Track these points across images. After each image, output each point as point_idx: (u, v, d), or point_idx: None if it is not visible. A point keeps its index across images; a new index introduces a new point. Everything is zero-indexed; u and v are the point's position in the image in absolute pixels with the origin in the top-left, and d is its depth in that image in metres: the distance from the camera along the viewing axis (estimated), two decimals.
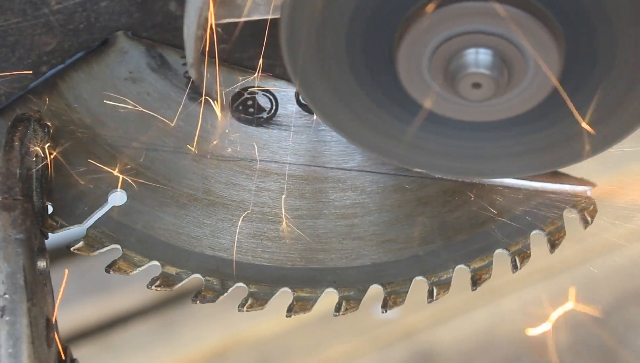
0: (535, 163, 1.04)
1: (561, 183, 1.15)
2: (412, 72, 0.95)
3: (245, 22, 1.04)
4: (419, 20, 0.91)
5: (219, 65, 1.06)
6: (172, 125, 1.12)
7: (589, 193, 1.14)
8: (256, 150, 1.14)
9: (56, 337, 1.07)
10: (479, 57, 0.92)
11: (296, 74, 0.98)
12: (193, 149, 1.12)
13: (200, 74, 1.03)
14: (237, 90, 1.13)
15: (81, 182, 1.12)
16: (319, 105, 1.02)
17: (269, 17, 1.00)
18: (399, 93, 0.97)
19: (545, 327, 1.41)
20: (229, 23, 1.02)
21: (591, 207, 1.14)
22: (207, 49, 1.02)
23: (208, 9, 0.98)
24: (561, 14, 0.91)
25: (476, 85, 0.93)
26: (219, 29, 1.03)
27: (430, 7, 0.90)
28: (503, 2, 0.89)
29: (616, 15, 0.90)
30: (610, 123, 0.98)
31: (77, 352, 1.14)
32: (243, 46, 1.11)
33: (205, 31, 1.00)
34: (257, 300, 1.13)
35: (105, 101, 1.11)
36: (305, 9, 0.93)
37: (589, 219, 1.14)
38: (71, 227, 1.11)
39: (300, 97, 1.12)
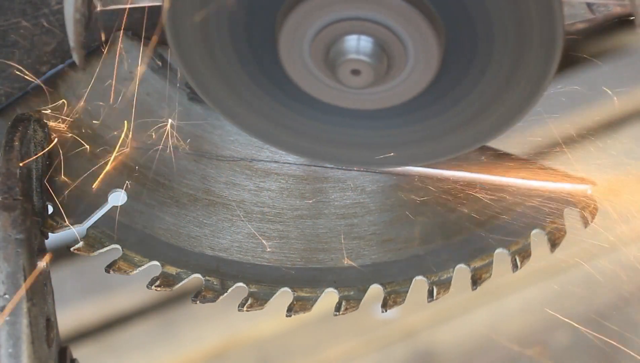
0: (418, 153, 1.05)
1: (561, 182, 1.15)
2: (294, 56, 0.95)
3: None
4: (301, 4, 0.91)
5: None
6: (169, 124, 1.12)
7: (589, 192, 1.15)
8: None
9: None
10: (359, 44, 0.92)
11: (181, 59, 0.98)
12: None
13: (82, 58, 1.02)
14: None
15: (81, 182, 1.12)
16: (205, 91, 1.02)
17: (157, 3, 0.99)
18: (282, 78, 0.98)
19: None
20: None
21: (591, 206, 1.14)
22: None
23: None
24: (443, 7, 0.92)
25: (355, 72, 0.93)
26: None
27: None
28: None
29: (495, 10, 0.91)
30: (490, 116, 1.00)
31: (77, 352, 1.14)
32: None
33: (87, 15, 0.99)
34: (257, 300, 1.13)
35: (105, 101, 1.12)
36: None
37: (589, 218, 1.14)
38: (71, 227, 1.11)
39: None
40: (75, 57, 1.00)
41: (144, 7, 1.08)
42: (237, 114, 1.04)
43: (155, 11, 1.09)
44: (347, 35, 0.92)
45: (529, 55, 0.94)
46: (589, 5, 1.02)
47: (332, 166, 1.15)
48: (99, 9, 0.99)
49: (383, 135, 1.04)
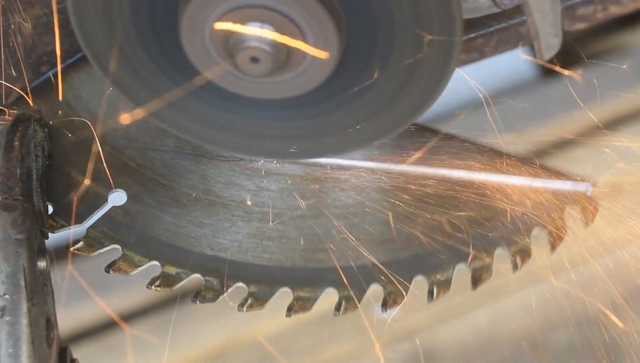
0: (317, 147, 1.06)
1: (562, 181, 1.15)
2: (196, 42, 0.95)
3: None
4: None
5: None
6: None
7: (590, 192, 1.14)
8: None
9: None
10: (257, 32, 0.93)
11: (87, 46, 0.99)
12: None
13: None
14: None
15: (81, 182, 1.12)
16: (112, 78, 1.02)
17: None
18: (182, 61, 0.98)
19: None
20: None
21: (592, 206, 1.14)
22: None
23: None
24: (346, 3, 0.93)
25: (254, 60, 0.94)
26: None
27: None
28: None
29: (396, 8, 0.92)
30: (384, 116, 1.01)
31: (77, 352, 1.14)
32: None
33: None
34: (257, 300, 1.13)
35: (105, 101, 1.11)
36: None
37: (590, 218, 1.14)
38: (71, 227, 1.11)
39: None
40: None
41: None
42: (142, 100, 1.04)
43: None
44: (248, 23, 0.93)
45: (428, 55, 0.95)
46: None
47: (332, 166, 1.15)
48: None
49: (281, 127, 1.04)
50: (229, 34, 0.93)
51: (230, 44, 0.94)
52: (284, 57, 0.94)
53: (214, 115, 1.04)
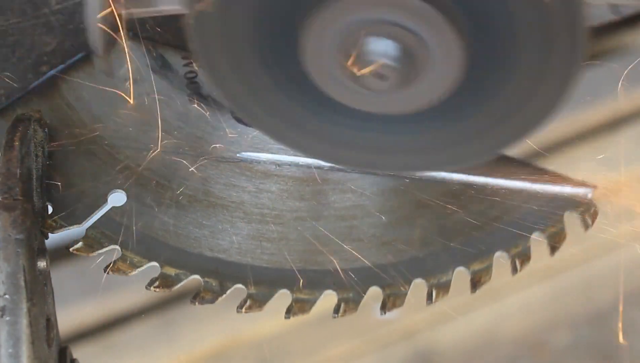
0: (440, 159, 1.04)
1: (562, 185, 1.15)
2: (317, 59, 0.94)
3: None
4: (325, 7, 0.91)
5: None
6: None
7: (589, 196, 1.14)
8: None
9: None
10: (383, 47, 0.92)
11: (206, 62, 0.98)
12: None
13: (109, 66, 1.01)
14: None
15: (81, 182, 1.12)
16: (230, 96, 1.01)
17: (180, 9, 0.98)
18: (303, 81, 0.97)
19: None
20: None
21: (592, 210, 1.14)
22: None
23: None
24: (467, 11, 0.91)
25: (379, 76, 0.93)
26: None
27: None
28: None
29: (519, 12, 0.91)
30: (513, 121, 0.99)
31: (77, 352, 1.14)
32: None
33: (116, 23, 0.99)
34: (256, 302, 1.13)
35: (105, 101, 1.12)
36: None
37: (589, 222, 1.14)
38: (71, 227, 1.11)
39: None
40: (102, 65, 1.00)
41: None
42: (258, 117, 1.03)
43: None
44: (371, 38, 0.91)
45: (554, 58, 0.93)
46: (612, 6, 1.02)
47: (332, 168, 1.15)
48: (123, 13, 0.98)
49: (402, 141, 1.03)
50: (352, 50, 0.92)
51: (354, 60, 0.93)
52: (408, 71, 0.93)
53: (336, 133, 1.02)
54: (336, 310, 1.14)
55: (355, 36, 0.92)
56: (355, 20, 0.91)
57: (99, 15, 0.96)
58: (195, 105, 1.13)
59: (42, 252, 1.06)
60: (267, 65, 0.97)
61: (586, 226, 1.14)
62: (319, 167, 1.14)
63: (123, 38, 1.04)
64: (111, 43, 1.01)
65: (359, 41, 0.92)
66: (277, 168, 1.15)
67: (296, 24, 0.93)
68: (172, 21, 1.10)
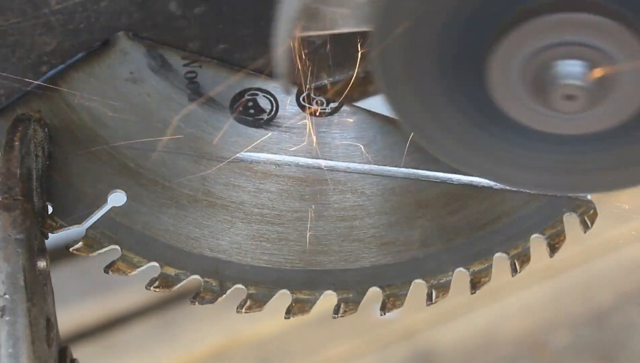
0: (628, 177, 1.02)
1: None
2: (503, 82, 0.93)
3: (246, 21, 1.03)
4: (514, 29, 0.90)
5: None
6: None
7: (589, 197, 1.14)
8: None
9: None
10: (572, 69, 0.91)
11: (390, 92, 0.96)
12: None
13: (288, 85, 1.01)
14: (237, 91, 1.13)
15: (81, 182, 1.12)
16: (406, 114, 0.99)
17: (356, 29, 0.97)
18: (484, 103, 0.96)
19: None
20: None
21: (591, 211, 1.14)
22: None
23: (298, 22, 0.96)
24: None
25: (569, 97, 0.91)
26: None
27: (525, 17, 0.89)
28: (597, 13, 0.88)
29: None
30: None
31: (77, 352, 1.14)
32: (243, 46, 1.11)
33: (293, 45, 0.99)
34: (256, 302, 1.13)
35: (105, 101, 1.12)
36: (397, 17, 0.90)
37: (589, 223, 1.14)
38: (71, 227, 1.12)
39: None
40: (283, 85, 1.00)
41: (148, 10, 1.08)
42: (446, 148, 1.02)
43: (156, 12, 1.09)
44: (560, 60, 0.90)
45: None
46: None
47: (332, 168, 1.15)
48: (298, 35, 0.97)
49: (587, 161, 1.01)
50: (540, 72, 0.91)
51: (541, 83, 0.92)
52: (598, 91, 0.91)
53: (530, 158, 1.01)
54: (336, 310, 1.14)
55: (543, 59, 0.90)
56: (542, 44, 0.90)
57: (285, 40, 0.95)
58: (195, 105, 1.13)
59: (42, 252, 1.06)
60: (452, 94, 0.96)
61: (585, 227, 1.14)
62: (318, 168, 1.15)
63: (299, 59, 1.04)
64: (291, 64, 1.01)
65: (547, 64, 0.91)
66: (277, 168, 1.15)
67: (481, 51, 0.92)
68: (171, 21, 1.10)
